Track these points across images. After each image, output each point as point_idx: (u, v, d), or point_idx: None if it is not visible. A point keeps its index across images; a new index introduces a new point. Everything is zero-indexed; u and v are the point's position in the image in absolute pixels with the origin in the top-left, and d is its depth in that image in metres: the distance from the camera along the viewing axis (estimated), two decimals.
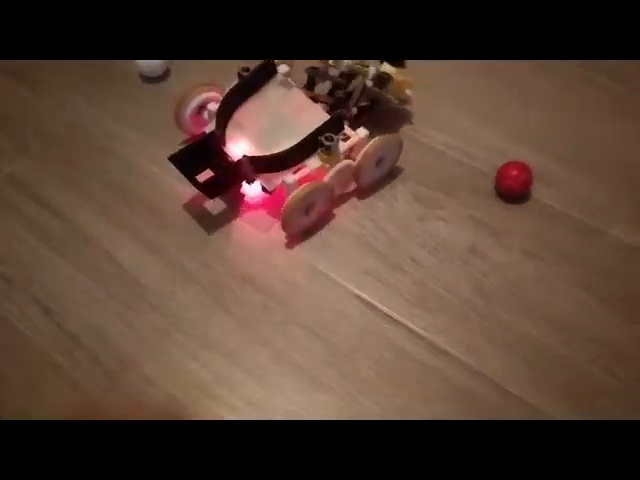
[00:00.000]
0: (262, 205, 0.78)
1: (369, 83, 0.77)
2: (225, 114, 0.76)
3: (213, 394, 0.65)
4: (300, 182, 0.72)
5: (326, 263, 0.73)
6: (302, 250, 0.75)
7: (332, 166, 0.73)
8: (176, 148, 0.77)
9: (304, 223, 0.75)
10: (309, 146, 0.72)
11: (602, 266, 0.72)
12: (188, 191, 0.77)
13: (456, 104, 0.87)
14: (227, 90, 0.77)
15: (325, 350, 0.67)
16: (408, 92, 0.82)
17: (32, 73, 0.93)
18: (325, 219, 0.77)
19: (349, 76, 0.79)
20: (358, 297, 0.71)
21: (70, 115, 0.88)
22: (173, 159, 0.74)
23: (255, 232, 0.76)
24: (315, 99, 0.78)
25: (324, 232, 0.76)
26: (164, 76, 0.91)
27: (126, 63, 0.91)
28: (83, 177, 0.82)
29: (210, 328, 0.69)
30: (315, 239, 0.75)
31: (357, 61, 0.78)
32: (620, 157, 0.81)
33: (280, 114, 0.76)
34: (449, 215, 0.76)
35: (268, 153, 0.72)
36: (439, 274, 0.72)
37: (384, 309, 0.70)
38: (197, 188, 0.73)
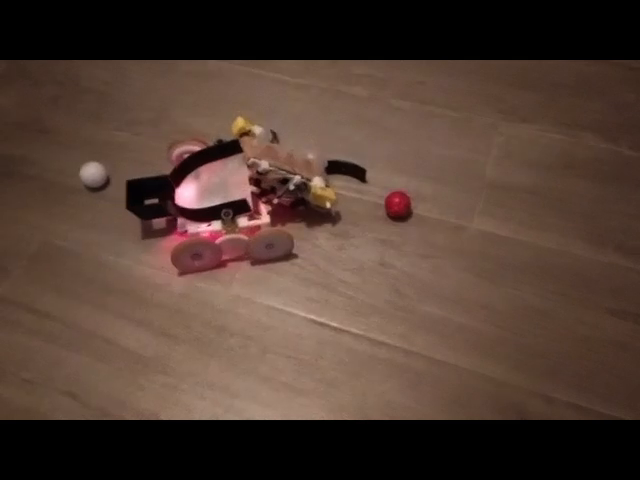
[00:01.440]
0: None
1: (292, 187, 0.95)
2: (188, 165, 0.99)
3: (224, 420, 0.85)
4: (202, 235, 0.95)
5: (279, 300, 0.95)
6: (258, 296, 0.96)
7: (227, 233, 0.95)
8: (131, 240, 0.98)
9: (191, 266, 0.97)
10: (216, 213, 0.93)
11: (473, 251, 0.98)
12: (154, 272, 0.97)
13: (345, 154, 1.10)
14: (202, 149, 1.00)
15: (296, 365, 0.89)
16: (328, 205, 0.98)
17: None
18: (269, 265, 0.98)
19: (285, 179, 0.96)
20: (310, 320, 0.93)
21: (38, 234, 1.04)
22: (129, 183, 0.98)
23: (218, 291, 0.96)
24: (256, 181, 0.96)
25: (273, 276, 0.97)
26: (105, 185, 1.09)
27: (73, 180, 1.08)
28: (66, 282, 0.98)
29: (206, 374, 0.89)
30: (266, 284, 0.97)
31: (288, 170, 0.95)
32: (467, 170, 1.08)
33: (224, 181, 0.98)
34: (359, 241, 1.00)
35: (199, 206, 0.95)
36: (364, 287, 0.95)
37: (331, 323, 0.92)
38: (132, 209, 0.97)
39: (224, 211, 0.93)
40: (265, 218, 0.97)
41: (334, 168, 1.05)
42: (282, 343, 0.91)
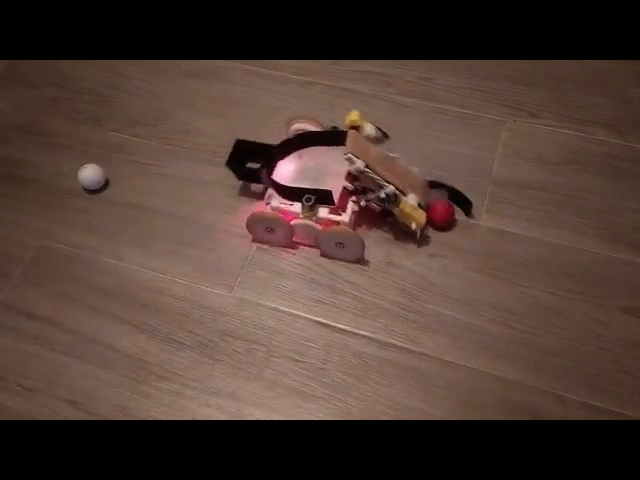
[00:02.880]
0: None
1: (382, 195, 0.92)
2: (296, 143, 0.99)
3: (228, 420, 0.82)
4: (281, 211, 0.95)
5: (285, 303, 0.93)
6: (263, 298, 0.93)
7: (303, 219, 0.94)
8: (131, 244, 0.97)
9: (263, 237, 0.97)
10: (300, 195, 0.92)
11: (482, 249, 0.96)
12: (156, 276, 0.95)
13: None
14: (313, 131, 1.00)
15: (303, 369, 0.87)
16: (413, 226, 0.93)
17: None
18: (273, 266, 0.96)
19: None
20: (316, 322, 0.91)
21: (37, 238, 1.02)
22: (237, 142, 1.01)
23: (221, 294, 0.94)
24: (353, 178, 0.92)
25: (277, 278, 0.95)
26: (105, 186, 1.07)
27: (71, 182, 1.06)
28: (66, 287, 0.96)
29: (210, 379, 0.87)
30: (271, 286, 0.94)
31: (384, 176, 0.92)
32: (474, 167, 1.06)
33: (323, 168, 0.98)
34: (366, 241, 0.97)
35: (290, 184, 0.95)
36: (371, 288, 0.93)
37: (338, 325, 0.90)
38: (230, 166, 1.00)
39: (306, 196, 0.92)
40: (345, 217, 0.94)
41: (437, 190, 1.00)
42: (288, 346, 0.89)
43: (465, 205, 0.99)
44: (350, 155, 0.90)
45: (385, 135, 0.97)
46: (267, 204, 0.98)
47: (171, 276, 0.95)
